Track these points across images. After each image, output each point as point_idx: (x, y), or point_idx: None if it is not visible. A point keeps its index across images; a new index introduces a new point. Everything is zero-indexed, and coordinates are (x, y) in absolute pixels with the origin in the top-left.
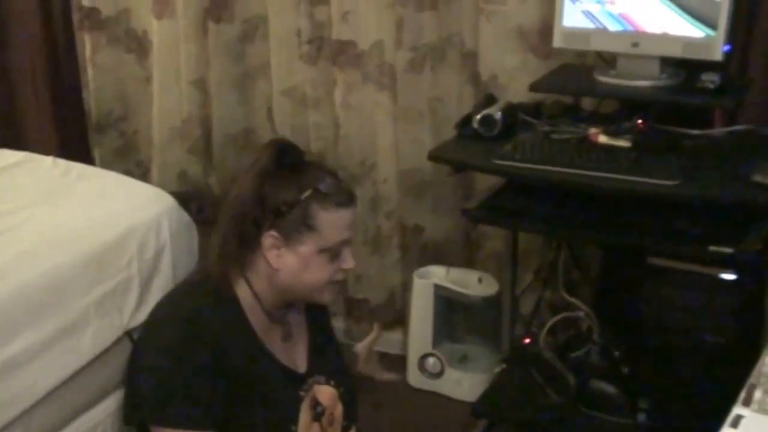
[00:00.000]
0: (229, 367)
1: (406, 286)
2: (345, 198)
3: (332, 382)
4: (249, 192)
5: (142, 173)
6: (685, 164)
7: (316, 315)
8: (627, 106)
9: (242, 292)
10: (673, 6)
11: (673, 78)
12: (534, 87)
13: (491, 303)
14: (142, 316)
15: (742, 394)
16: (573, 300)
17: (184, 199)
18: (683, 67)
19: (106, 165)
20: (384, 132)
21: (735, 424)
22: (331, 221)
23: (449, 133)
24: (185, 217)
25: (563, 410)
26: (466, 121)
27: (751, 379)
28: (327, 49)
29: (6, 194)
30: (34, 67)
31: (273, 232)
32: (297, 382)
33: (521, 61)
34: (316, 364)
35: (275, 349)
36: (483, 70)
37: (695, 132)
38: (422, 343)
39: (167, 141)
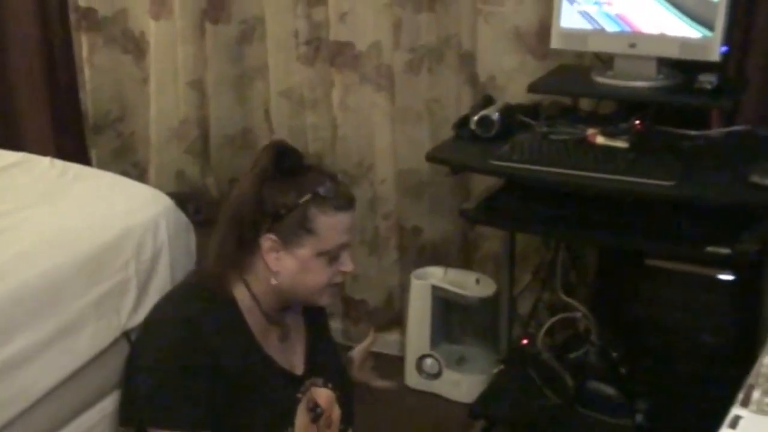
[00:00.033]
0: (227, 369)
1: (404, 287)
2: (344, 201)
3: (330, 385)
4: (248, 195)
5: (139, 174)
6: (682, 165)
7: (314, 316)
8: (624, 107)
9: (240, 294)
10: (670, 7)
11: (670, 79)
12: (532, 88)
13: (489, 304)
14: (140, 317)
15: (741, 395)
16: (571, 301)
17: (181, 200)
18: (680, 68)
19: (103, 166)
20: (382, 133)
21: (733, 424)
22: (330, 225)
23: (447, 134)
24: (183, 218)
25: (561, 411)
26: (464, 122)
27: (750, 380)
28: (324, 50)
29: (3, 195)
30: (31, 68)
31: (272, 235)
32: (294, 384)
33: (519, 62)
34: (314, 366)
35: (273, 352)
36: (481, 71)
37: (693, 133)
38: (420, 344)
39: (164, 142)
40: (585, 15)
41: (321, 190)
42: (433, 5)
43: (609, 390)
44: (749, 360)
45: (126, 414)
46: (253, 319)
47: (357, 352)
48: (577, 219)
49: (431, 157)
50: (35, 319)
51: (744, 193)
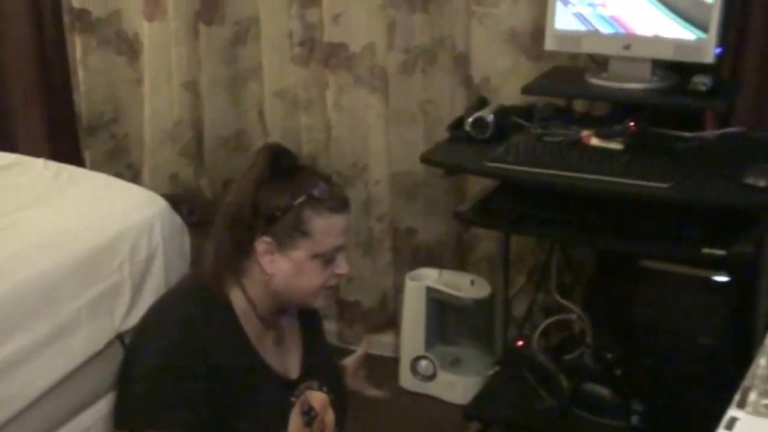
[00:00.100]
0: (222, 373)
1: (399, 289)
2: (339, 203)
3: (325, 388)
4: (243, 198)
5: (132, 176)
6: (677, 167)
7: (309, 319)
8: (619, 109)
9: (236, 297)
10: (664, 9)
11: (664, 80)
12: (526, 90)
13: (484, 305)
14: (134, 319)
15: (737, 397)
16: (566, 302)
17: (175, 201)
18: (675, 70)
19: (97, 167)
20: (376, 134)
21: (730, 426)
22: (325, 227)
23: (441, 135)
24: (177, 219)
25: (556, 413)
26: (459, 123)
27: (746, 382)
28: (318, 51)
29: None
30: (25, 69)
31: (266, 238)
32: (289, 388)
33: (513, 64)
34: (310, 369)
35: (268, 355)
36: (475, 73)
37: (687, 134)
38: (415, 346)
39: (158, 143)
40: (579, 17)
41: (315, 192)
42: (427, 6)
43: (604, 392)
44: (744, 361)
45: (121, 417)
46: (249, 323)
47: (351, 360)
48: (572, 221)
49: (426, 159)
50: (29, 321)
51: (739, 194)
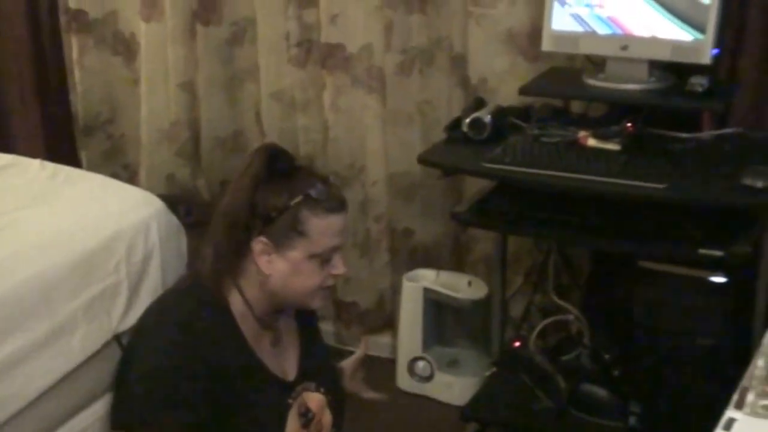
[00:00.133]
0: (220, 374)
1: (396, 290)
2: (336, 204)
3: (322, 389)
4: (240, 198)
5: (129, 176)
6: (674, 167)
7: (306, 320)
8: (616, 110)
9: (233, 299)
10: (661, 9)
11: (662, 81)
12: (523, 90)
13: (481, 306)
14: (131, 320)
15: (735, 397)
16: (563, 303)
17: (172, 202)
18: (672, 71)
19: (94, 168)
20: (373, 135)
21: (728, 427)
22: (322, 227)
23: (438, 136)
24: (174, 220)
25: (554, 414)
26: (456, 124)
27: (744, 382)
28: (316, 52)
29: None
30: (21, 69)
31: (263, 238)
32: (286, 390)
33: (510, 65)
34: (307, 370)
35: (265, 357)
36: (472, 74)
37: (685, 135)
38: (412, 347)
39: (155, 144)
40: (576, 17)
41: (312, 193)
42: (424, 7)
43: (602, 392)
44: (741, 362)
45: (118, 417)
46: (246, 324)
47: (349, 362)
48: (569, 221)
49: (423, 160)
50: (26, 321)
51: (736, 195)
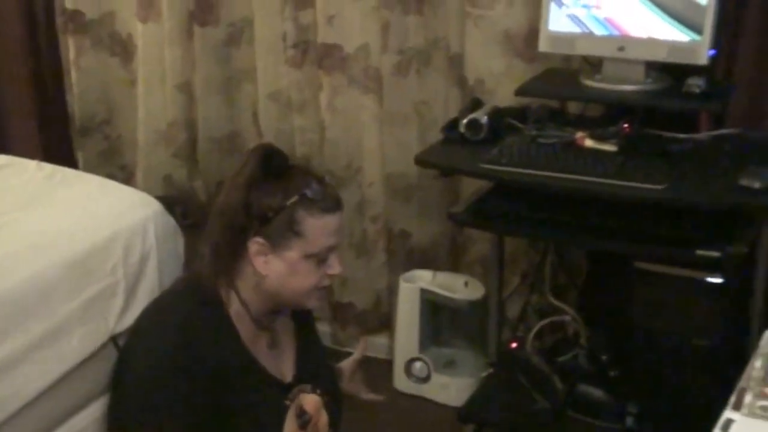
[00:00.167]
0: (217, 375)
1: (392, 290)
2: (331, 203)
3: (318, 390)
4: (236, 199)
5: (126, 177)
6: (671, 168)
7: (302, 321)
8: (613, 111)
9: (230, 300)
10: (658, 10)
11: (658, 82)
12: (520, 91)
13: (478, 307)
14: (128, 321)
15: (732, 398)
16: (560, 304)
17: (169, 203)
18: (669, 72)
19: (90, 169)
20: (370, 135)
21: (725, 428)
22: (318, 227)
23: (435, 136)
24: (171, 221)
25: (550, 415)
26: (453, 124)
27: (741, 383)
28: (312, 53)
29: None
30: (18, 70)
31: (259, 239)
32: (283, 391)
33: (507, 66)
34: (304, 371)
35: (262, 358)
36: (469, 74)
37: (681, 136)
38: (409, 348)
39: (152, 145)
40: (573, 18)
41: (308, 192)
42: (421, 8)
43: (598, 393)
44: (738, 362)
45: (115, 419)
46: (243, 326)
47: (347, 363)
48: (566, 222)
49: (420, 160)
50: (22, 323)
51: (733, 196)
